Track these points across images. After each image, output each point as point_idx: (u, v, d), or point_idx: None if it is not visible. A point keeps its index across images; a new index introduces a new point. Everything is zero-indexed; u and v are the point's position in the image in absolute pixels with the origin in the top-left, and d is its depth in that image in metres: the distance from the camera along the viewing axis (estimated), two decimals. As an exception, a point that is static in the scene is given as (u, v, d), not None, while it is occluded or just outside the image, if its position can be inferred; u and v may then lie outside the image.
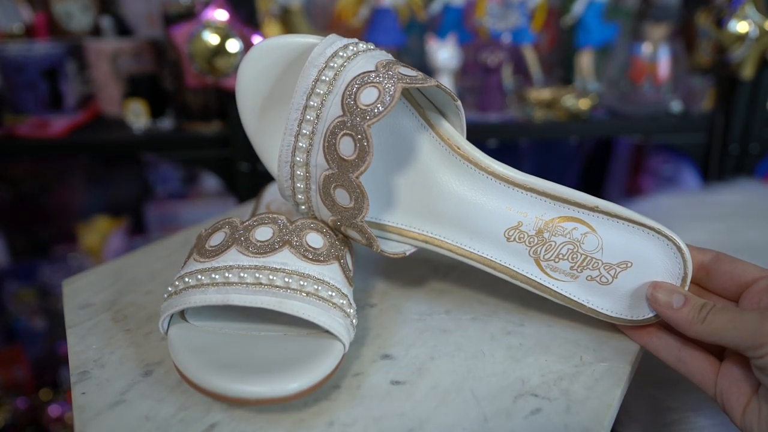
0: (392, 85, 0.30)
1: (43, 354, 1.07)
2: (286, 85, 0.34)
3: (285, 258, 0.30)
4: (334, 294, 0.30)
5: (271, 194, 0.47)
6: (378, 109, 0.29)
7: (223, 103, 0.78)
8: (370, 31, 0.83)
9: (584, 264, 0.33)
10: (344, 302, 0.30)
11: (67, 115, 0.86)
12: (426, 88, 0.34)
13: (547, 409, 0.29)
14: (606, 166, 1.11)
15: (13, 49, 0.81)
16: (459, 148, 0.35)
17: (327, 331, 0.30)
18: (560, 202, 0.33)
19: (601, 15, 0.86)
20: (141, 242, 1.07)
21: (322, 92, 0.31)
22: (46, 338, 1.08)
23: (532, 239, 0.34)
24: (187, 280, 0.30)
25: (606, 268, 0.33)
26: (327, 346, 0.29)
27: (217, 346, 0.29)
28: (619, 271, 0.33)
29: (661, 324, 0.33)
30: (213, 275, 0.30)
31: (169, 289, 0.31)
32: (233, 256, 0.30)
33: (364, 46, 0.33)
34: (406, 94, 0.35)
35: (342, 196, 0.32)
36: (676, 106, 0.84)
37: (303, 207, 0.35)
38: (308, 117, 0.31)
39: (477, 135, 0.81)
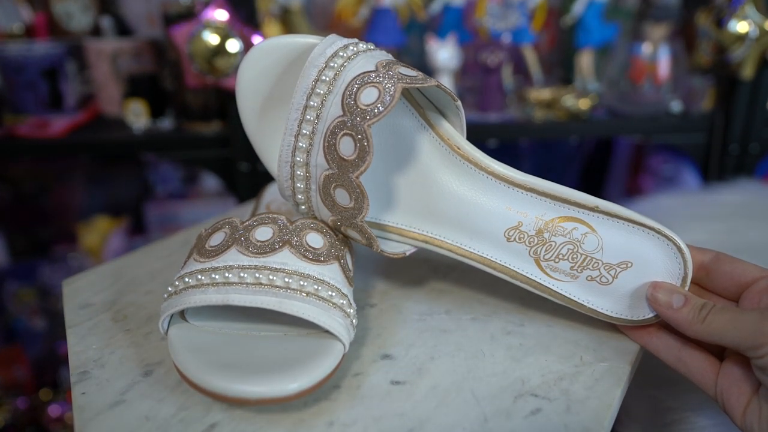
0: (392, 85, 0.30)
1: (43, 354, 1.07)
2: (286, 85, 0.34)
3: (285, 258, 0.30)
4: (334, 294, 0.30)
5: (271, 194, 0.47)
6: (378, 109, 0.29)
7: (223, 103, 0.79)
8: (370, 31, 0.83)
9: (584, 264, 0.33)
10: (344, 302, 0.30)
11: (67, 115, 0.86)
12: (426, 88, 0.34)
13: (547, 409, 0.29)
14: (606, 166, 1.11)
15: (13, 49, 0.81)
16: (459, 148, 0.35)
17: (327, 331, 0.30)
18: (560, 202, 0.33)
19: (601, 15, 0.86)
20: (141, 242, 1.07)
21: (322, 92, 0.31)
22: (46, 338, 1.08)
23: (532, 239, 0.34)
24: (187, 280, 0.30)
25: (606, 268, 0.33)
26: (327, 346, 0.29)
27: (217, 346, 0.29)
28: (619, 271, 0.33)
29: (661, 324, 0.33)
30: (213, 275, 0.30)
31: (169, 289, 0.31)
32: (233, 256, 0.30)
33: (364, 46, 0.33)
34: (406, 94, 0.35)
35: (342, 196, 0.32)
36: (676, 106, 0.84)
37: (303, 207, 0.35)
38: (308, 117, 0.31)
39: (477, 135, 0.81)
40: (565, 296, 0.34)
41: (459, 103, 0.33)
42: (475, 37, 0.87)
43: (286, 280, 0.29)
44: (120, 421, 0.28)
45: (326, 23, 0.94)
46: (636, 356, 0.33)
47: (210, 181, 1.15)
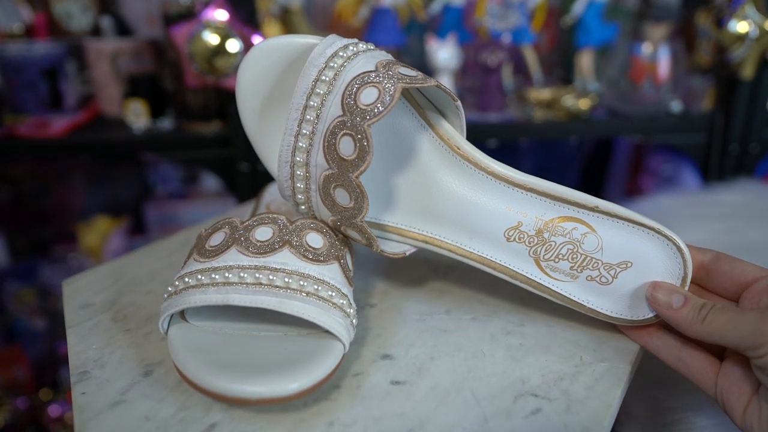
0: (392, 85, 0.30)
1: (43, 354, 1.07)
2: (286, 85, 0.34)
3: (285, 258, 0.30)
4: (334, 294, 0.30)
5: (271, 194, 0.47)
6: (378, 109, 0.29)
7: (223, 103, 0.79)
8: (370, 31, 0.83)
9: (584, 264, 0.33)
10: (344, 302, 0.30)
11: (67, 115, 0.86)
12: (426, 88, 0.34)
13: (547, 409, 0.29)
14: (606, 166, 1.11)
15: (13, 49, 0.81)
16: (459, 148, 0.35)
17: (327, 331, 0.30)
18: (560, 202, 0.33)
19: (601, 15, 0.86)
20: (141, 242, 1.07)
21: (322, 92, 0.31)
22: (46, 338, 1.08)
23: (532, 239, 0.34)
24: (187, 280, 0.30)
25: (606, 268, 0.33)
26: (327, 346, 0.29)
27: (217, 346, 0.29)
28: (619, 271, 0.33)
29: (661, 324, 0.33)
30: (213, 275, 0.30)
31: (169, 289, 0.31)
32: (233, 256, 0.30)
33: (364, 47, 0.33)
34: (406, 94, 0.35)
35: (342, 196, 0.32)
36: (676, 106, 0.84)
37: (303, 207, 0.35)
38: (308, 117, 0.31)
39: (477, 135, 0.81)
40: (565, 296, 0.34)
41: (459, 103, 0.33)
42: (475, 37, 0.87)
43: (286, 280, 0.29)
44: (120, 421, 0.28)
45: (326, 23, 0.94)
46: (636, 356, 0.33)
47: (210, 181, 1.15)
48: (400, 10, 0.84)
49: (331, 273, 0.31)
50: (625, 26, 0.92)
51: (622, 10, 0.93)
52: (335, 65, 0.31)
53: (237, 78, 0.35)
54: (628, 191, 1.09)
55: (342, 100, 0.30)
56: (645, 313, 0.32)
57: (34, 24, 0.91)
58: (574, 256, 0.33)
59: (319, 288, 0.30)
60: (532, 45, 0.89)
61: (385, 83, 0.30)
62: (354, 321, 0.31)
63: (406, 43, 0.89)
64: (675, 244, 0.32)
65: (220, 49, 0.69)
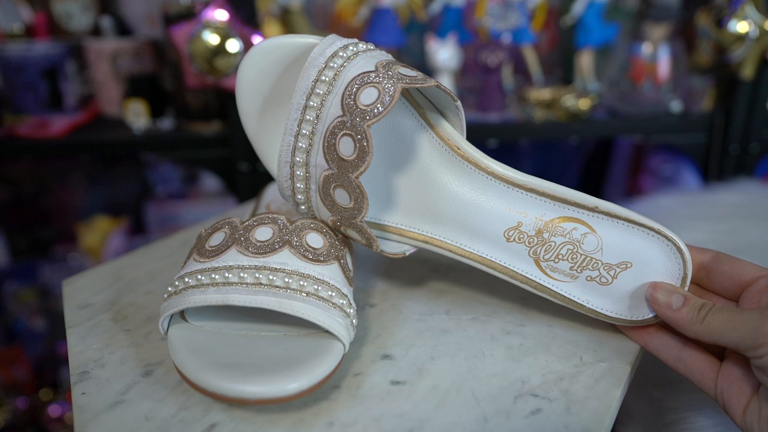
0: (392, 86, 0.30)
1: (43, 354, 1.07)
2: (286, 85, 0.34)
3: (285, 258, 0.30)
4: (334, 294, 0.30)
5: (271, 194, 0.47)
6: (378, 109, 0.29)
7: (223, 103, 0.78)
8: (370, 31, 0.83)
9: (584, 264, 0.33)
10: (344, 302, 0.30)
11: (67, 115, 0.86)
12: (426, 88, 0.34)
13: (547, 409, 0.29)
14: (606, 166, 1.11)
15: (13, 49, 0.81)
16: (459, 149, 0.35)
17: (327, 331, 0.30)
18: (560, 202, 0.33)
19: (601, 15, 0.86)
20: (141, 242, 1.07)
21: (321, 92, 0.31)
22: (46, 338, 1.08)
23: (531, 239, 0.34)
24: (187, 280, 0.30)
25: (606, 268, 0.33)
26: (327, 346, 0.29)
27: (217, 346, 0.29)
28: (619, 272, 0.33)
29: (661, 324, 0.33)
30: (213, 275, 0.30)
31: (169, 289, 0.31)
32: (233, 256, 0.30)
33: (364, 47, 0.33)
34: (406, 94, 0.35)
35: (342, 196, 0.32)
36: (676, 106, 0.84)
37: (303, 207, 0.35)
38: (308, 117, 0.31)
39: (477, 135, 0.81)
40: (565, 296, 0.34)
41: (459, 103, 0.33)
42: (475, 37, 0.87)
43: (286, 280, 0.29)
44: (120, 421, 0.28)
45: (326, 23, 0.94)
46: (636, 356, 0.33)
47: (210, 181, 1.15)
48: (400, 10, 0.84)
49: (331, 273, 0.31)
50: (625, 26, 0.92)
51: (622, 10, 0.93)
52: (335, 65, 0.31)
53: (237, 78, 0.35)
54: (628, 191, 1.09)
55: (342, 101, 0.30)
56: (645, 314, 0.32)
57: (34, 24, 0.91)
58: (574, 256, 0.33)
59: (319, 288, 0.30)
60: (532, 45, 0.89)
61: (385, 83, 0.30)
62: (354, 321, 0.31)
63: (406, 43, 0.89)
64: (675, 244, 0.32)
65: (220, 49, 0.69)
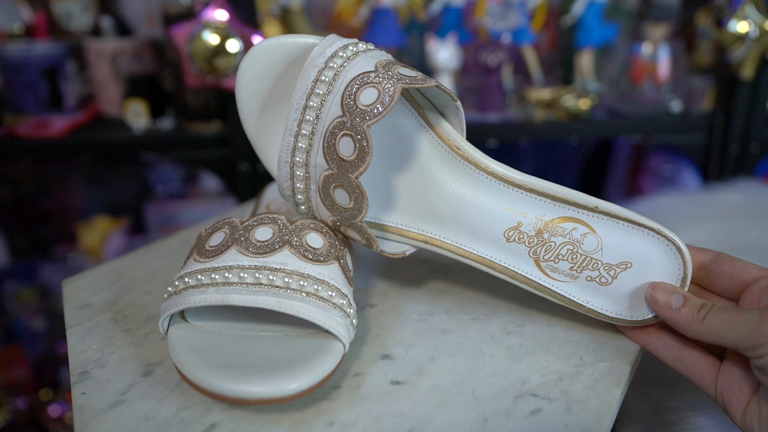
0: (392, 86, 0.30)
1: (43, 354, 1.07)
2: (286, 85, 0.34)
3: (285, 258, 0.30)
4: (334, 294, 0.30)
5: (271, 194, 0.47)
6: (377, 109, 0.29)
7: (223, 103, 0.79)
8: (370, 31, 0.83)
9: (584, 264, 0.33)
10: (344, 302, 0.30)
11: (67, 115, 0.86)
12: (426, 88, 0.34)
13: (547, 409, 0.29)
14: (606, 166, 1.11)
15: (13, 49, 0.81)
16: (459, 149, 0.35)
17: (327, 331, 0.30)
18: (560, 202, 0.33)
19: (601, 15, 0.86)
20: (141, 242, 1.07)
21: (321, 92, 0.31)
22: (46, 338, 1.08)
23: (531, 240, 0.34)
24: (187, 280, 0.30)
25: (606, 268, 0.33)
26: (327, 346, 0.29)
27: (217, 346, 0.29)
28: (619, 272, 0.33)
29: (661, 324, 0.33)
30: (213, 275, 0.30)
31: (169, 289, 0.31)
32: (233, 256, 0.30)
33: (364, 47, 0.33)
34: (406, 94, 0.35)
35: (341, 197, 0.32)
36: (676, 106, 0.84)
37: (303, 207, 0.35)
38: (308, 117, 0.31)
39: (477, 135, 0.81)
40: (565, 296, 0.34)
41: (459, 103, 0.33)
42: (475, 37, 0.87)
43: (286, 280, 0.29)
44: (120, 421, 0.28)
45: (326, 23, 0.94)
46: (636, 356, 0.33)
47: (210, 181, 1.15)
48: (400, 10, 0.84)
49: (331, 273, 0.31)
50: (625, 26, 0.92)
51: (622, 10, 0.93)
52: (335, 65, 0.31)
53: (237, 78, 0.35)
54: (628, 191, 1.09)
55: (342, 101, 0.30)
56: (645, 314, 0.32)
57: (34, 24, 0.91)
58: (574, 256, 0.33)
59: (319, 288, 0.30)
60: (532, 45, 0.89)
61: (385, 83, 0.30)
62: (354, 321, 0.31)
63: (406, 43, 0.89)
64: (675, 244, 0.32)
65: (220, 49, 0.69)
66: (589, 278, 0.33)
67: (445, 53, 0.81)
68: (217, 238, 0.32)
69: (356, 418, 0.28)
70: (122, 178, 1.15)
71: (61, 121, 0.83)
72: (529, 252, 0.34)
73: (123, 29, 0.94)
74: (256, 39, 0.72)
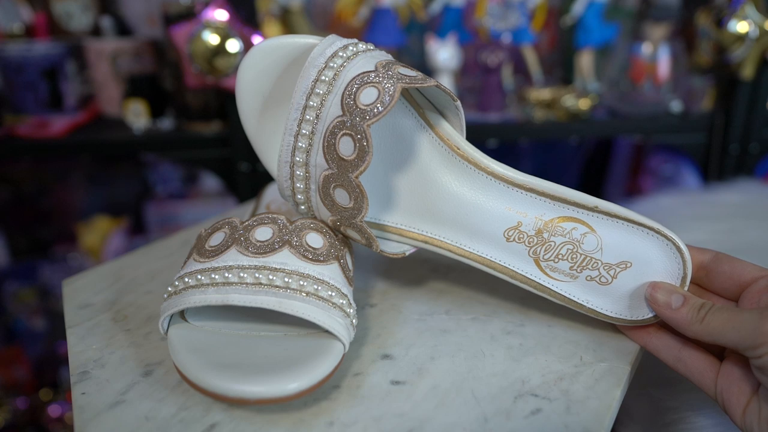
0: (392, 85, 0.30)
1: (43, 354, 1.07)
2: (286, 85, 0.34)
3: (285, 258, 0.30)
4: (333, 294, 0.30)
5: (271, 194, 0.47)
6: (377, 108, 0.29)
7: (223, 103, 0.79)
8: (370, 31, 0.83)
9: (584, 264, 0.33)
10: (344, 302, 0.30)
11: (67, 115, 0.86)
12: (425, 88, 0.34)
13: (547, 409, 0.29)
14: (606, 166, 1.11)
15: (13, 49, 0.81)
16: (458, 149, 0.35)
17: (327, 331, 0.30)
18: (560, 202, 0.33)
19: (601, 15, 0.86)
20: (141, 242, 1.07)
21: (321, 92, 0.31)
22: (46, 338, 1.08)
23: (531, 239, 0.34)
24: (186, 280, 0.30)
25: (605, 268, 0.33)
26: (327, 346, 0.29)
27: (217, 346, 0.29)
28: (619, 271, 0.33)
29: (661, 324, 0.33)
30: (213, 275, 0.30)
31: (169, 289, 0.31)
32: (233, 256, 0.30)
33: (364, 47, 0.33)
34: (406, 94, 0.35)
35: (341, 196, 0.32)
36: (676, 106, 0.84)
37: (303, 207, 0.35)
38: (308, 117, 0.31)
39: (477, 135, 0.81)
40: (565, 296, 0.34)
41: (458, 103, 0.33)
42: (475, 37, 0.87)
43: (286, 280, 0.29)
44: (120, 421, 0.28)
45: (326, 23, 0.94)
46: (636, 356, 0.33)
47: (210, 181, 1.15)
48: (400, 10, 0.84)
49: (331, 273, 0.31)
50: (625, 26, 0.92)
51: (622, 10, 0.93)
52: (335, 65, 0.31)
53: (237, 78, 0.35)
54: (628, 191, 1.09)
55: (342, 100, 0.30)
56: (644, 313, 0.32)
57: (34, 24, 0.91)
58: (574, 256, 0.33)
59: (319, 288, 0.30)
60: (532, 45, 0.89)
61: (385, 83, 0.30)
62: (354, 321, 0.31)
63: (406, 43, 0.89)
64: (674, 244, 0.32)
65: (220, 49, 0.69)
66: (589, 278, 0.33)
67: (445, 53, 0.81)
68: (217, 238, 0.32)
69: (356, 418, 0.28)
70: (122, 178, 1.15)
71: (61, 121, 0.83)
72: (529, 252, 0.34)
73: (123, 29, 0.94)
74: (256, 39, 0.72)
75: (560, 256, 0.33)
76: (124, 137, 0.80)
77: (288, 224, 0.32)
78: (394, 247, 0.36)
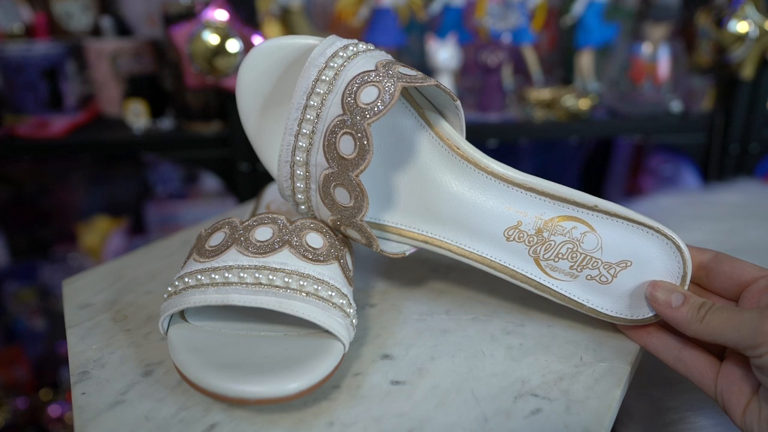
0: (392, 84, 0.30)
1: (43, 354, 1.07)
2: (286, 85, 0.34)
3: (285, 258, 0.30)
4: (333, 294, 0.30)
5: (271, 194, 0.47)
6: (378, 107, 0.29)
7: (223, 103, 0.79)
8: (370, 31, 0.83)
9: (584, 263, 0.33)
10: (344, 302, 0.30)
11: (67, 115, 0.86)
12: (425, 87, 0.34)
13: (547, 409, 0.29)
14: (606, 166, 1.11)
15: (13, 49, 0.81)
16: (458, 148, 0.35)
17: (327, 331, 0.30)
18: (560, 201, 0.33)
19: (601, 15, 0.86)
20: (141, 242, 1.07)
21: (322, 92, 0.31)
22: (46, 338, 1.08)
23: (531, 239, 0.34)
24: (186, 280, 0.30)
25: (606, 267, 0.33)
26: (327, 346, 0.29)
27: (217, 346, 0.29)
28: (619, 271, 0.33)
29: (661, 324, 0.33)
30: (213, 275, 0.30)
31: (169, 289, 0.31)
32: (233, 256, 0.30)
33: (364, 47, 0.33)
34: (406, 94, 0.35)
35: (342, 195, 0.32)
36: (676, 106, 0.84)
37: (303, 207, 0.35)
38: (308, 116, 0.31)
39: (477, 135, 0.81)
40: (565, 295, 0.34)
41: (458, 102, 0.33)
42: (475, 37, 0.87)
43: (286, 280, 0.29)
44: (120, 421, 0.28)
45: (326, 23, 0.94)
46: (636, 356, 0.33)
47: (210, 181, 1.15)
48: (400, 10, 0.84)
49: (331, 273, 0.31)
50: (625, 26, 0.92)
51: (622, 10, 0.93)
52: (335, 65, 0.31)
53: (237, 79, 0.35)
54: (628, 191, 1.09)
55: (342, 99, 0.30)
56: (645, 313, 0.32)
57: (34, 24, 0.91)
58: (574, 255, 0.33)
59: (319, 288, 0.30)
60: (532, 45, 0.89)
61: (385, 82, 0.30)
62: (354, 321, 0.31)
63: (406, 43, 0.89)
64: (674, 243, 0.32)
65: (220, 49, 0.69)
66: (589, 277, 0.33)
67: (445, 53, 0.81)
68: (217, 238, 0.32)
69: (356, 418, 0.28)
70: (122, 178, 1.15)
71: (61, 121, 0.83)
72: (529, 251, 0.34)
73: (123, 29, 0.94)
74: (256, 39, 0.72)
75: (560, 256, 0.33)
76: (124, 137, 0.80)
77: (288, 224, 0.32)
78: (394, 247, 0.36)
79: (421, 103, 0.35)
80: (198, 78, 0.73)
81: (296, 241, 0.31)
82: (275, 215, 0.33)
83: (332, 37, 0.33)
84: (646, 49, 0.84)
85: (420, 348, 0.33)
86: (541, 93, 0.83)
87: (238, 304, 0.29)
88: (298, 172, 0.33)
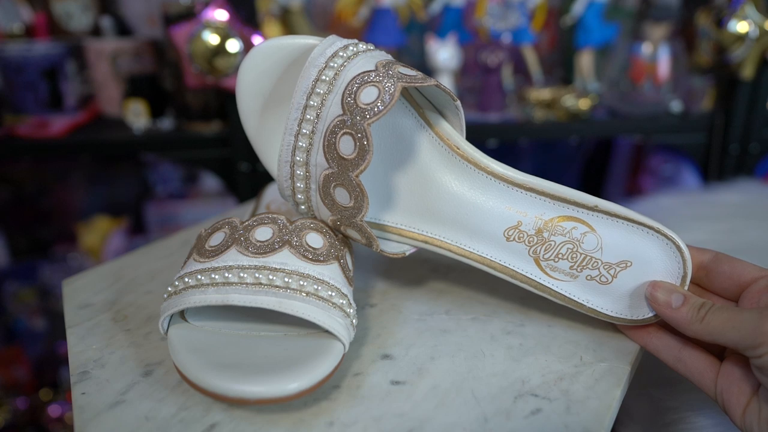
0: (392, 84, 0.30)
1: (43, 354, 1.07)
2: (286, 86, 0.34)
3: (285, 258, 0.30)
4: (333, 294, 0.30)
5: (271, 194, 0.47)
6: (378, 107, 0.29)
7: (223, 103, 0.79)
8: (370, 31, 0.83)
9: (584, 263, 0.33)
10: (344, 302, 0.30)
11: (67, 115, 0.86)
12: (425, 87, 0.34)
13: (547, 409, 0.29)
14: (606, 166, 1.11)
15: (13, 49, 0.81)
16: (458, 148, 0.35)
17: (327, 331, 0.30)
18: (560, 201, 0.33)
19: (601, 15, 0.86)
20: (141, 242, 1.07)
21: (322, 92, 0.31)
22: (46, 338, 1.08)
23: (531, 239, 0.34)
24: (186, 280, 0.30)
25: (606, 267, 0.33)
26: (327, 346, 0.29)
27: (217, 346, 0.29)
28: (619, 271, 0.33)
29: (661, 324, 0.33)
30: (213, 275, 0.30)
31: (169, 289, 0.31)
32: (233, 256, 0.30)
33: (364, 47, 0.33)
34: (406, 94, 0.35)
35: (342, 195, 0.32)
36: (676, 106, 0.84)
37: (303, 207, 0.35)
38: (308, 116, 0.31)
39: (477, 135, 0.81)
40: (565, 296, 0.34)
41: (458, 102, 0.33)
42: (475, 37, 0.87)
43: (286, 280, 0.29)
44: (120, 421, 0.28)
45: (326, 23, 0.94)
46: (636, 356, 0.33)
47: (210, 181, 1.15)
48: (400, 10, 0.84)
49: (331, 273, 0.31)
50: (625, 26, 0.92)
51: (622, 10, 0.93)
52: (335, 65, 0.31)
53: (237, 80, 0.35)
54: (628, 191, 1.09)
55: (342, 100, 0.30)
56: (645, 313, 0.32)
57: (34, 24, 0.91)
58: (574, 255, 0.33)
59: (319, 288, 0.30)
60: (532, 45, 0.89)
61: (385, 82, 0.30)
62: (354, 321, 0.31)
63: (406, 43, 0.89)
64: (674, 243, 0.32)
65: (220, 49, 0.69)
66: (589, 277, 0.33)
67: (445, 53, 0.81)
68: (217, 238, 0.32)
69: (356, 418, 0.28)
70: (122, 178, 1.15)
71: (61, 121, 0.83)
72: (529, 251, 0.34)
73: (123, 29, 0.94)
74: (256, 39, 0.72)
75: (560, 256, 0.33)
76: (124, 137, 0.80)
77: (288, 224, 0.32)
78: (394, 247, 0.36)
79: (421, 103, 0.35)
80: (198, 78, 0.73)
81: (296, 241, 0.31)
82: (275, 215, 0.33)
83: (332, 37, 0.33)
84: (646, 49, 0.84)
85: (420, 348, 0.33)
86: (541, 93, 0.83)
87: (238, 304, 0.29)
88: (298, 172, 0.33)
